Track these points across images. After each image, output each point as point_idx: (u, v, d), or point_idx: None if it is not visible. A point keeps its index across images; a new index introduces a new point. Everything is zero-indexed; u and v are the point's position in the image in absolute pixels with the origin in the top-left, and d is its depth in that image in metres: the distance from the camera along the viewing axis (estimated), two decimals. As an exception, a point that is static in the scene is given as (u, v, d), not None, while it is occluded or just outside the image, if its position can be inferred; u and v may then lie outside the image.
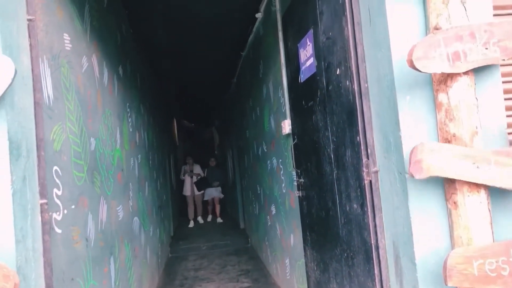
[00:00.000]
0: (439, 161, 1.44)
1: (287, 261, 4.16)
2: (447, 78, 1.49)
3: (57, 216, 1.76)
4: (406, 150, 1.61)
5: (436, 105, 1.56)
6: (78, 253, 2.02)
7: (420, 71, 1.39)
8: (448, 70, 1.42)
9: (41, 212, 1.55)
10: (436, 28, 1.48)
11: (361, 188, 1.94)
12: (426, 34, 1.55)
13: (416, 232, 1.62)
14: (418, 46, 1.39)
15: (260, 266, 5.63)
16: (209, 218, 9.92)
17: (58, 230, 1.76)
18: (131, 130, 3.99)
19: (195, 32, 5.00)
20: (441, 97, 1.53)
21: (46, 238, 1.55)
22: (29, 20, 1.61)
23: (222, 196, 9.95)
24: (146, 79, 5.71)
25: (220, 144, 12.72)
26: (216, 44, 5.56)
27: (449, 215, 1.60)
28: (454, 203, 1.57)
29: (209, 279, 5.19)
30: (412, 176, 1.48)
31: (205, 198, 9.63)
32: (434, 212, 1.62)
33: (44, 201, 1.56)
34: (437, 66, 1.40)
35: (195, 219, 9.53)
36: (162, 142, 7.21)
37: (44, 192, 1.57)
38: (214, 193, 9.74)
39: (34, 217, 1.49)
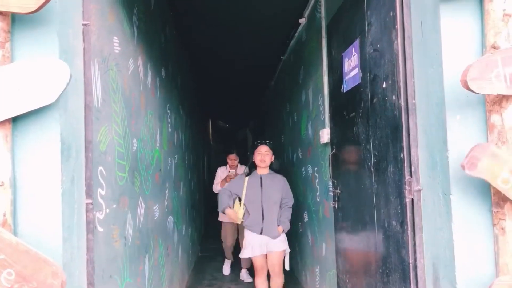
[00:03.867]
0: (496, 168, 1.37)
1: (317, 269, 4.12)
2: (502, 99, 1.43)
3: (99, 215, 1.82)
4: (452, 171, 1.55)
5: (488, 127, 1.50)
6: (117, 252, 2.08)
7: (474, 92, 1.34)
8: (505, 91, 1.36)
9: (86, 211, 1.60)
10: (494, 47, 1.42)
11: (402, 205, 1.90)
12: (482, 52, 1.49)
13: (459, 255, 1.56)
14: (473, 66, 1.34)
15: (287, 272, 5.60)
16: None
17: (100, 229, 1.82)
18: (170, 130, 4.07)
19: (237, 34, 5.04)
20: (494, 118, 1.47)
21: (89, 237, 1.60)
22: (84, 25, 1.67)
23: (288, 250, 3.93)
24: (186, 80, 5.80)
25: (252, 145, 12.64)
26: (256, 46, 5.58)
27: (496, 241, 1.53)
28: (502, 228, 1.51)
29: (237, 282, 5.20)
30: (462, 168, 1.40)
31: None
32: (479, 236, 1.56)
33: (90, 201, 1.60)
34: (493, 87, 1.34)
35: (235, 264, 5.59)
36: (197, 142, 7.31)
37: (90, 192, 1.62)
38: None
39: (80, 216, 1.54)
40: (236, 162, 5.58)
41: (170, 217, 3.90)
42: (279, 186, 3.81)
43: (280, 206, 3.82)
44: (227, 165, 5.60)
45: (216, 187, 5.41)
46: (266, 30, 4.90)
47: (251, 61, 6.34)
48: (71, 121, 1.50)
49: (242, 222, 3.87)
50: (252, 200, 3.77)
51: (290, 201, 3.88)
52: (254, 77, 7.43)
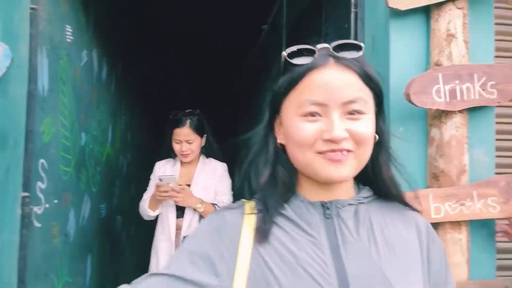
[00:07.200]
0: (424, 205, 1.44)
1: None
2: (441, 114, 1.50)
3: (37, 210, 1.73)
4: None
5: (428, 140, 1.57)
6: (55, 249, 1.99)
7: (416, 105, 1.40)
8: (444, 107, 1.43)
9: (22, 205, 1.52)
10: (437, 64, 1.49)
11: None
12: (427, 68, 1.56)
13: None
14: (416, 81, 1.40)
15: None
16: None
17: (37, 224, 1.73)
18: (124, 128, 3.97)
19: (202, 32, 5.02)
20: (434, 132, 1.54)
21: (23, 232, 1.53)
22: (32, 9, 1.60)
23: None
24: (148, 79, 5.69)
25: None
26: (220, 52, 5.58)
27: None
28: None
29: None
30: None
31: None
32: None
33: (26, 194, 1.53)
34: (434, 102, 1.41)
35: None
36: (157, 142, 7.16)
37: (27, 185, 1.54)
38: None
39: (14, 210, 1.47)
40: (194, 148, 2.41)
41: (119, 217, 3.80)
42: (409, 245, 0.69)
43: None
44: (175, 157, 2.53)
45: (144, 207, 2.47)
46: (230, 36, 4.92)
47: (216, 65, 6.32)
48: (11, 109, 1.43)
49: None
50: None
51: None
52: (219, 80, 7.40)
